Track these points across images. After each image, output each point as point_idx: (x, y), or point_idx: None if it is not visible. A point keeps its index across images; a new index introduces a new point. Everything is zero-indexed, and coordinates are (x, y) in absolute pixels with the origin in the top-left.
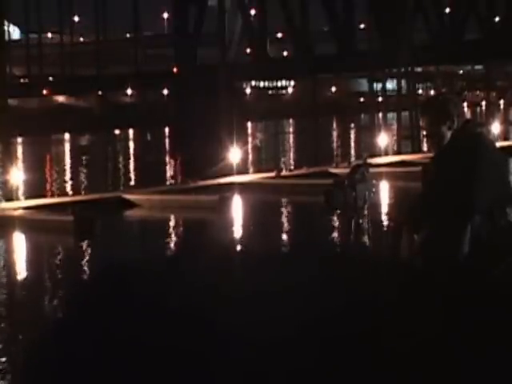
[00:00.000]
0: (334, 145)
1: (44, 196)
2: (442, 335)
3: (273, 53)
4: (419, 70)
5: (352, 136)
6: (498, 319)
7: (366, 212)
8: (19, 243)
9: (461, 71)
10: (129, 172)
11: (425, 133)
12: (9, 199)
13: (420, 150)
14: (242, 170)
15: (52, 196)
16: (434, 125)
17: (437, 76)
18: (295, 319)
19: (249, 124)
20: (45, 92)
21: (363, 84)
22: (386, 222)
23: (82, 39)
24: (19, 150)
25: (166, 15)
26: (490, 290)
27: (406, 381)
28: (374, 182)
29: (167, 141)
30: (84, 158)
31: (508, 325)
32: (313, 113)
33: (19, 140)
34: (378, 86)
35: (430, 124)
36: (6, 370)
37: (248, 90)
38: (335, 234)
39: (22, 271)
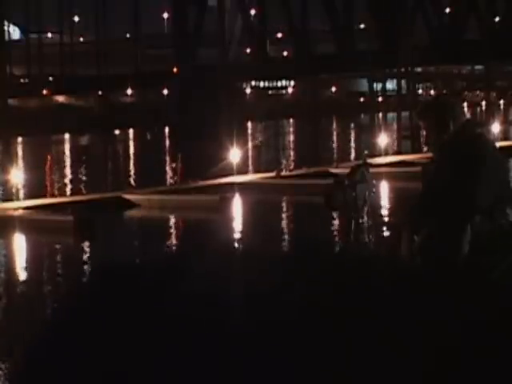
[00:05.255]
0: (334, 145)
1: (44, 196)
2: (443, 333)
3: (273, 53)
4: (419, 69)
5: (352, 136)
6: (497, 318)
7: (365, 212)
8: (19, 243)
9: (461, 71)
10: (129, 172)
11: (424, 134)
12: (9, 199)
13: (420, 150)
14: (242, 170)
15: (52, 196)
16: (434, 135)
17: (437, 76)
18: (292, 317)
19: (249, 124)
20: (45, 92)
21: (363, 84)
22: (385, 222)
23: (81, 39)
24: (19, 150)
25: (166, 15)
26: (490, 289)
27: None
28: (374, 182)
29: (167, 141)
30: (84, 158)
31: (508, 322)
32: (313, 113)
33: (19, 140)
34: (378, 86)
35: (428, 133)
36: (8, 369)
37: (248, 90)
38: (335, 234)
39: (21, 271)
